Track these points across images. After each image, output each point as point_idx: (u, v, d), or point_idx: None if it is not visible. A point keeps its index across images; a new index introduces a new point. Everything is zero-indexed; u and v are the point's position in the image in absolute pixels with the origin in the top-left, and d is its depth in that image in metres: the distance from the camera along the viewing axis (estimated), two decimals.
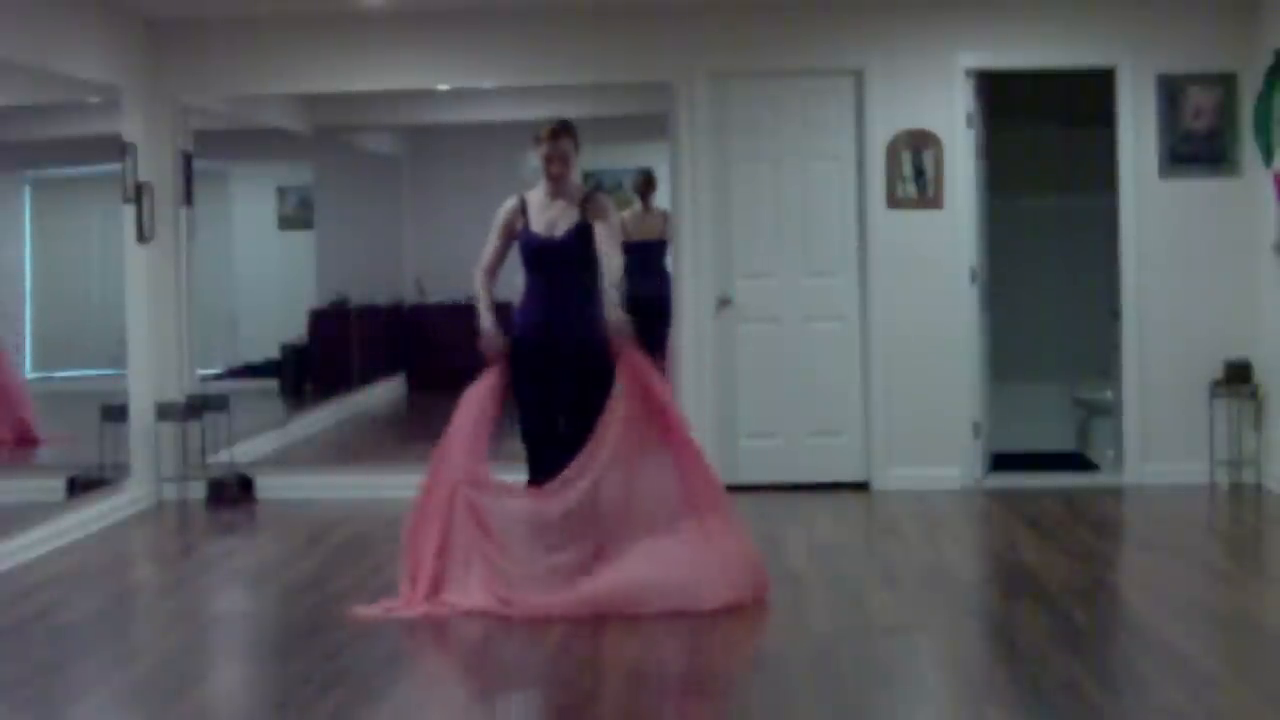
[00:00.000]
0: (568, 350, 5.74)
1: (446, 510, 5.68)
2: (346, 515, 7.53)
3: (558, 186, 5.81)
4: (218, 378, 8.69)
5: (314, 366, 9.74)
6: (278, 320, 9.50)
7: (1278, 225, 7.51)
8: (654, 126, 8.20)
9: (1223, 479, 7.86)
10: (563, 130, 5.81)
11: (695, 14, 8.02)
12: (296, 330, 9.44)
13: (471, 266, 5.98)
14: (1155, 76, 7.90)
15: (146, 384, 8.04)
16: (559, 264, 5.77)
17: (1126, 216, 7.98)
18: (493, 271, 5.95)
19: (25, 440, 7.68)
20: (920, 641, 5.12)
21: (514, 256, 5.96)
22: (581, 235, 5.76)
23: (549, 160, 5.79)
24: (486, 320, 5.85)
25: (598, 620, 5.41)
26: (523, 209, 5.85)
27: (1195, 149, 7.92)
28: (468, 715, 4.43)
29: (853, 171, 8.08)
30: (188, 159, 8.22)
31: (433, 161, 9.82)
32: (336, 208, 9.89)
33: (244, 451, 8.32)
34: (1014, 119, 8.89)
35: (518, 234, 5.85)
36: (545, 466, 5.75)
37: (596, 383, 5.71)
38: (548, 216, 5.80)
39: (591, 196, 5.86)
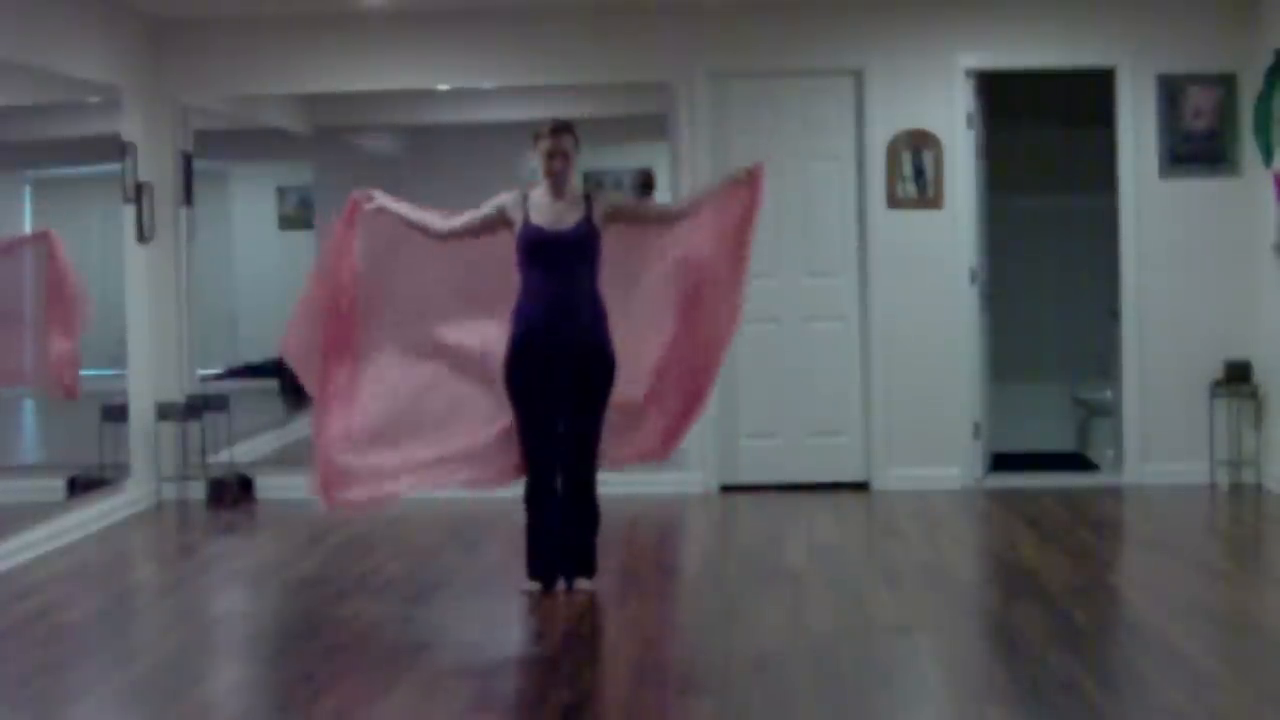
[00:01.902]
0: (573, 350, 5.68)
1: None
2: (346, 515, 7.52)
3: (559, 186, 5.73)
4: (218, 378, 8.68)
5: None
6: (278, 320, 9.44)
7: (1278, 225, 7.51)
8: (654, 126, 8.20)
9: (1223, 479, 7.86)
10: (564, 128, 5.76)
11: (695, 14, 8.02)
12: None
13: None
14: (1155, 76, 7.91)
15: (146, 384, 8.05)
16: (565, 257, 5.66)
17: (1126, 216, 7.98)
18: (458, 233, 5.80)
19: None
20: (920, 641, 5.11)
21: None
22: (587, 231, 5.71)
23: (551, 156, 5.69)
24: (399, 205, 5.88)
25: (598, 620, 5.42)
26: (523, 205, 5.75)
27: (1195, 149, 7.92)
28: (468, 715, 4.42)
29: (853, 171, 8.08)
30: (188, 159, 8.22)
31: (433, 161, 9.81)
32: (336, 208, 9.85)
33: (244, 451, 8.33)
34: (1014, 119, 8.89)
35: (516, 228, 5.71)
36: (545, 467, 5.77)
37: (599, 384, 5.72)
38: (551, 214, 5.71)
39: (594, 193, 5.85)
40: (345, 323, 5.86)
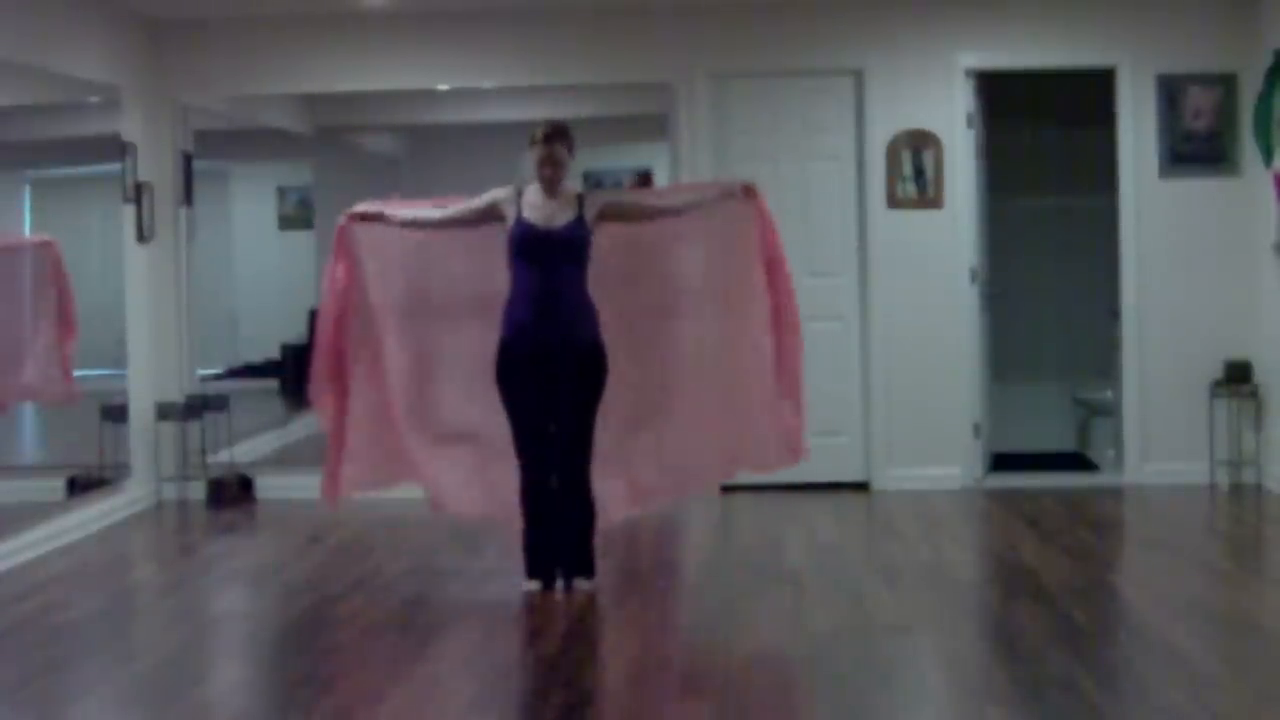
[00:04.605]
0: (563, 350, 5.69)
1: None
2: (346, 515, 7.51)
3: (552, 188, 5.78)
4: (218, 378, 8.69)
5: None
6: (278, 320, 9.49)
7: (1278, 225, 7.51)
8: (654, 126, 8.20)
9: (1223, 479, 7.86)
10: (556, 135, 5.75)
11: (695, 14, 8.02)
12: (296, 330, 9.42)
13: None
14: (1155, 76, 7.91)
15: (146, 384, 8.05)
16: (557, 255, 5.68)
17: (1126, 216, 7.98)
18: (452, 221, 5.89)
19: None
20: (920, 641, 5.12)
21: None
22: (579, 231, 5.72)
23: (542, 163, 5.73)
24: (389, 208, 5.98)
25: (598, 620, 5.42)
26: (517, 201, 5.77)
27: (1195, 149, 7.92)
28: (468, 716, 4.42)
29: (853, 171, 8.08)
30: (188, 159, 8.22)
31: (433, 161, 9.81)
32: (336, 208, 9.85)
33: (244, 451, 8.33)
34: (1014, 119, 8.89)
35: (508, 224, 5.73)
36: (540, 467, 5.76)
37: (591, 383, 5.73)
38: (544, 212, 5.73)
39: (587, 193, 5.87)
40: (346, 341, 5.98)
